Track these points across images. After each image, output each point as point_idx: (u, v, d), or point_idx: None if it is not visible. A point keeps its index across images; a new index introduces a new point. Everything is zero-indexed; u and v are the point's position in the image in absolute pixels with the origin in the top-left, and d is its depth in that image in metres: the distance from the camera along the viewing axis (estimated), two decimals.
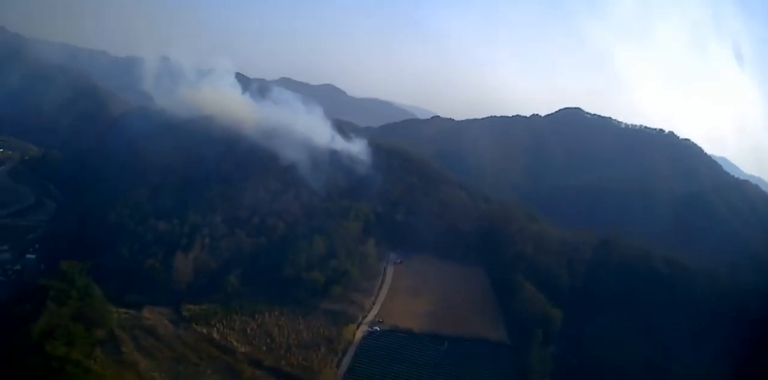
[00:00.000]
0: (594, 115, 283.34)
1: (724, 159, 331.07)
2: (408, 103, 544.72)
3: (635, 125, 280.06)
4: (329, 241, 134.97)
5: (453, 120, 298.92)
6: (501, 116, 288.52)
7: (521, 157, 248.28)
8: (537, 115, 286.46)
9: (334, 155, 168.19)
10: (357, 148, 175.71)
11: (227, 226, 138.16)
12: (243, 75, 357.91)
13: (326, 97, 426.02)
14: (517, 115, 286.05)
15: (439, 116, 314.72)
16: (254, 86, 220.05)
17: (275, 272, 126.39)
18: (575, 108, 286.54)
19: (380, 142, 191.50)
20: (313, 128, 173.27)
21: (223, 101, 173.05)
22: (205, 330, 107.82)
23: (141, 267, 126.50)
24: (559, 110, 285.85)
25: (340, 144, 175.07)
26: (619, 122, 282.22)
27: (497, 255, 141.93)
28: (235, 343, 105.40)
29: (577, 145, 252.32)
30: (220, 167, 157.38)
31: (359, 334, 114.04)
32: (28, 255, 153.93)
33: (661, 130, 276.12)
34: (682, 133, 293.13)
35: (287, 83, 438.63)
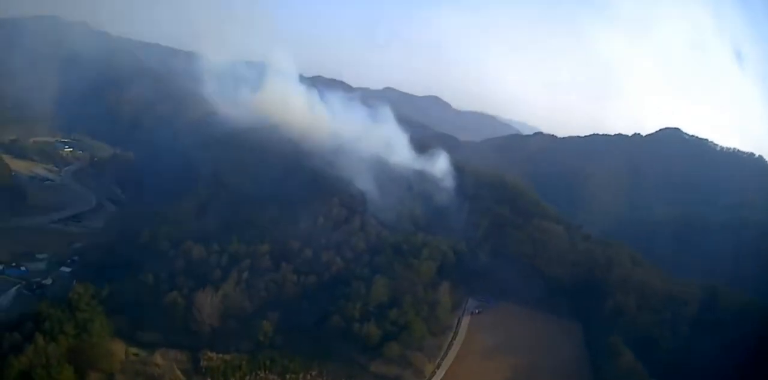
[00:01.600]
0: (692, 136, 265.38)
1: None
2: (514, 118, 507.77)
3: (729, 148, 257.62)
4: (393, 285, 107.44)
5: (555, 137, 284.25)
6: (603, 134, 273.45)
7: (618, 179, 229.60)
8: (638, 134, 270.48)
9: (413, 179, 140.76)
10: (441, 170, 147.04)
11: (272, 259, 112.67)
12: (345, 83, 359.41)
13: (429, 110, 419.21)
14: (619, 134, 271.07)
15: (541, 132, 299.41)
16: (356, 95, 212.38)
17: (320, 321, 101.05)
18: (675, 128, 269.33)
19: (470, 165, 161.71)
20: (393, 146, 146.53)
21: (294, 111, 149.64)
22: None
23: (162, 301, 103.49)
24: (659, 130, 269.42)
25: (422, 165, 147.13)
26: (714, 144, 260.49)
27: (595, 307, 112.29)
28: None
29: (675, 169, 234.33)
30: (279, 185, 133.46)
31: None
32: (63, 268, 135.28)
33: (752, 154, 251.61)
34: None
35: (390, 93, 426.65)
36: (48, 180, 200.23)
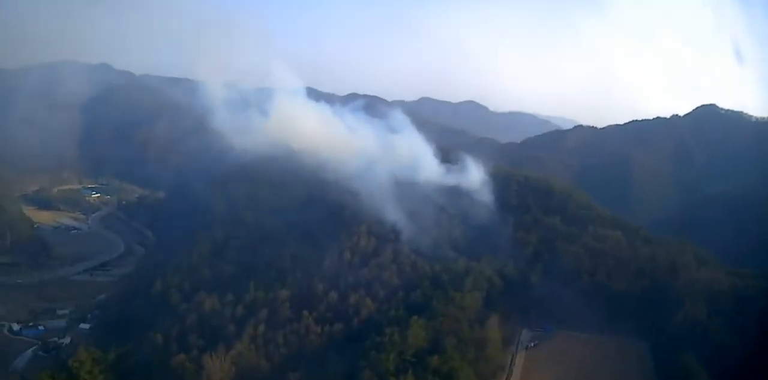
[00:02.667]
0: (728, 110, 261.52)
1: None
2: (552, 113, 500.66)
3: (765, 118, 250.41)
4: (432, 326, 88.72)
5: (595, 128, 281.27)
6: (642, 120, 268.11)
7: (666, 163, 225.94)
8: (677, 115, 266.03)
9: (447, 195, 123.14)
10: (478, 181, 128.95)
11: (293, 306, 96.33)
12: (380, 98, 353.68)
13: (468, 114, 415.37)
14: (658, 117, 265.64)
15: (581, 125, 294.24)
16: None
17: (349, 378, 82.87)
18: (710, 104, 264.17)
19: (511, 171, 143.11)
20: (421, 161, 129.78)
21: (310, 134, 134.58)
22: None
23: (170, 364, 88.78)
24: (696, 108, 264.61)
25: (456, 178, 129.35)
26: (749, 116, 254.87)
27: (662, 321, 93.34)
28: None
29: (717, 146, 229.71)
30: (300, 218, 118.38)
31: None
32: (82, 325, 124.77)
33: None
34: None
35: (428, 103, 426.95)
36: (74, 229, 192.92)
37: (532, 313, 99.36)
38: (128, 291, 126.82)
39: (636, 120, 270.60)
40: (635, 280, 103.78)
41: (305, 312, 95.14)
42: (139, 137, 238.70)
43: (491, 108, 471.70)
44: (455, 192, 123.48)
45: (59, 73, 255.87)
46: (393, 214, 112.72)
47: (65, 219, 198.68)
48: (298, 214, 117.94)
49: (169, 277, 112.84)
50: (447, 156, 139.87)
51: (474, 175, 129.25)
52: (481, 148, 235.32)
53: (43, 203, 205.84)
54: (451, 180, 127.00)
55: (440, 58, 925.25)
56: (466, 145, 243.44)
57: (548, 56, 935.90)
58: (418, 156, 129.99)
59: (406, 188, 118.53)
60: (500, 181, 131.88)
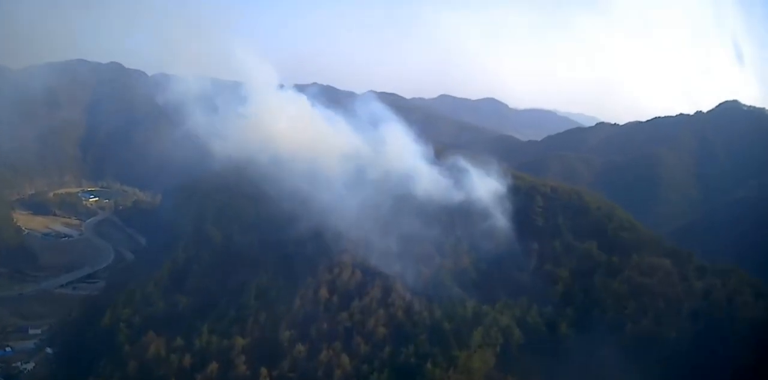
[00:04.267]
0: (750, 106, 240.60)
1: None
2: (571, 110, 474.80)
3: None
4: None
5: (617, 124, 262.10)
6: (665, 116, 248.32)
7: (690, 162, 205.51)
8: (700, 111, 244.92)
9: (455, 214, 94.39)
10: (496, 195, 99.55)
11: (250, 360, 71.29)
12: (398, 95, 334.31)
13: (487, 111, 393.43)
14: (681, 114, 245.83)
15: (603, 122, 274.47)
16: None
17: None
18: (733, 100, 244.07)
19: (536, 182, 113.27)
20: (426, 169, 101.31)
21: (295, 135, 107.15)
22: None
23: None
24: (719, 104, 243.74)
25: (468, 191, 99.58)
26: None
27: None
28: None
29: (740, 143, 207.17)
30: (275, 240, 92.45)
31: None
32: (48, 349, 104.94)
33: None
34: None
35: (447, 100, 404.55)
36: (65, 236, 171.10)
37: (564, 374, 71.57)
38: (87, 315, 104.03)
39: (659, 117, 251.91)
40: (690, 324, 76.07)
41: (263, 370, 70.10)
42: (139, 137, 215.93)
43: (510, 105, 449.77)
44: (465, 210, 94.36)
45: (66, 73, 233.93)
46: (385, 238, 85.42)
47: (58, 225, 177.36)
48: (272, 234, 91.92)
49: (119, 310, 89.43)
50: (456, 160, 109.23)
51: (489, 187, 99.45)
52: (500, 146, 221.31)
53: (39, 208, 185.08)
54: (460, 194, 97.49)
55: (459, 55, 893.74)
56: (485, 142, 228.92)
57: (567, 52, 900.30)
58: (419, 164, 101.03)
59: (403, 204, 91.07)
60: (522, 194, 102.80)
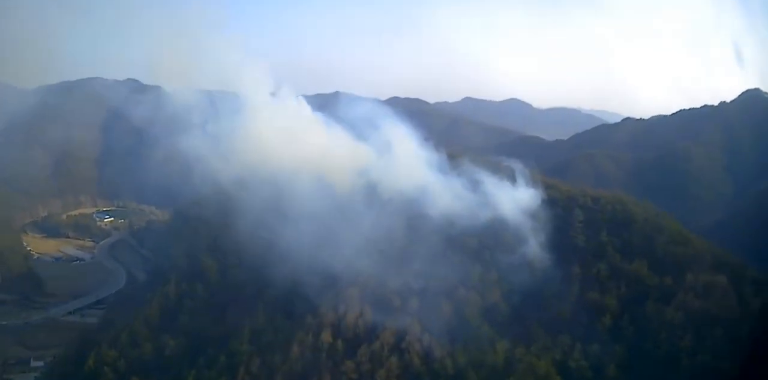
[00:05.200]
0: None
1: None
2: (594, 107, 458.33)
3: None
4: None
5: (643, 119, 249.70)
6: (690, 109, 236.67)
7: (719, 154, 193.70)
8: (724, 102, 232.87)
9: (481, 236, 77.93)
10: (528, 210, 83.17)
11: None
12: (423, 100, 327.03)
13: (512, 112, 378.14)
14: (705, 106, 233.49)
15: (630, 118, 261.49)
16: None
17: None
18: (755, 89, 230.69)
19: (574, 192, 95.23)
20: (445, 183, 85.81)
21: (293, 149, 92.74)
22: None
23: None
24: (741, 93, 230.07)
25: (493, 208, 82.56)
26: None
27: None
28: None
29: (766, 133, 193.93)
30: (275, 273, 78.45)
31: None
32: None
33: None
34: None
35: (470, 103, 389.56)
36: (76, 260, 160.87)
37: None
38: (78, 352, 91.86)
39: (684, 109, 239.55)
40: (751, 349, 59.63)
41: None
42: (157, 154, 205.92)
43: (534, 105, 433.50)
44: (492, 232, 77.96)
45: (81, 91, 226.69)
46: (399, 269, 70.42)
47: (70, 248, 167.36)
48: (272, 266, 77.70)
49: (105, 352, 76.99)
50: (481, 169, 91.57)
51: (519, 202, 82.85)
52: (527, 147, 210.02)
53: (52, 230, 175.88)
54: (486, 211, 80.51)
55: (480, 56, 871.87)
56: (512, 145, 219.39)
57: (586, 48, 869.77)
58: (437, 179, 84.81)
59: (419, 227, 76.09)
60: (559, 208, 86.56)
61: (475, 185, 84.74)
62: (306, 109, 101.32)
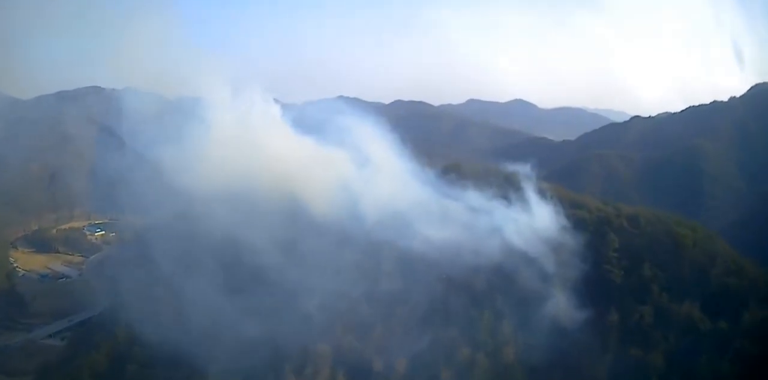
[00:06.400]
0: None
1: None
2: (599, 106, 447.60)
3: None
4: None
5: (651, 117, 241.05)
6: (699, 105, 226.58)
7: (731, 151, 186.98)
8: (734, 97, 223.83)
9: (491, 273, 59.49)
10: (552, 239, 64.12)
11: None
12: (427, 103, 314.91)
13: (518, 113, 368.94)
14: (715, 101, 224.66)
15: (638, 116, 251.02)
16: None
17: None
18: (764, 83, 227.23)
19: (608, 210, 73.48)
20: (448, 214, 67.08)
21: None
22: None
23: None
24: (750, 88, 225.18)
25: (503, 236, 63.27)
26: None
27: None
28: None
29: None
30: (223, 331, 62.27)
31: None
32: None
33: None
34: None
35: (475, 104, 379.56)
36: (63, 277, 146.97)
37: None
38: None
39: (693, 105, 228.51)
40: None
41: None
42: (151, 164, 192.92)
43: (539, 105, 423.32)
44: (505, 272, 59.04)
45: (78, 101, 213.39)
46: (385, 321, 53.35)
47: (58, 264, 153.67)
48: (226, 316, 61.28)
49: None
50: (490, 189, 71.90)
51: (539, 228, 63.67)
52: (535, 149, 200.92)
53: (42, 245, 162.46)
54: (495, 241, 61.86)
55: (483, 57, 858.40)
56: (519, 146, 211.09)
57: (589, 47, 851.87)
58: (436, 203, 66.12)
59: (411, 267, 58.36)
60: (589, 232, 67.57)
61: (481, 208, 66.69)
62: (274, 116, 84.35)
